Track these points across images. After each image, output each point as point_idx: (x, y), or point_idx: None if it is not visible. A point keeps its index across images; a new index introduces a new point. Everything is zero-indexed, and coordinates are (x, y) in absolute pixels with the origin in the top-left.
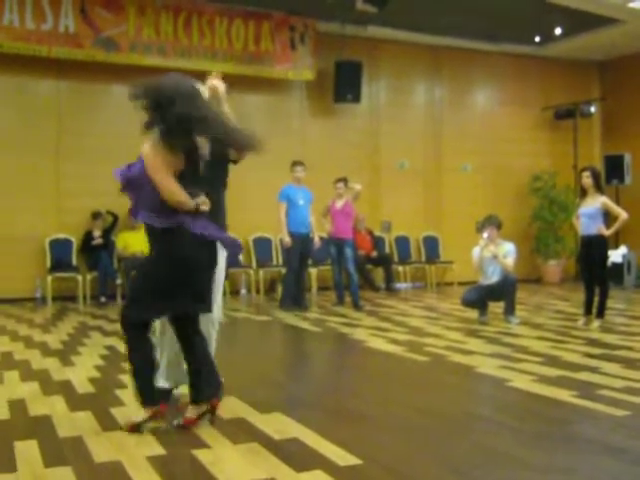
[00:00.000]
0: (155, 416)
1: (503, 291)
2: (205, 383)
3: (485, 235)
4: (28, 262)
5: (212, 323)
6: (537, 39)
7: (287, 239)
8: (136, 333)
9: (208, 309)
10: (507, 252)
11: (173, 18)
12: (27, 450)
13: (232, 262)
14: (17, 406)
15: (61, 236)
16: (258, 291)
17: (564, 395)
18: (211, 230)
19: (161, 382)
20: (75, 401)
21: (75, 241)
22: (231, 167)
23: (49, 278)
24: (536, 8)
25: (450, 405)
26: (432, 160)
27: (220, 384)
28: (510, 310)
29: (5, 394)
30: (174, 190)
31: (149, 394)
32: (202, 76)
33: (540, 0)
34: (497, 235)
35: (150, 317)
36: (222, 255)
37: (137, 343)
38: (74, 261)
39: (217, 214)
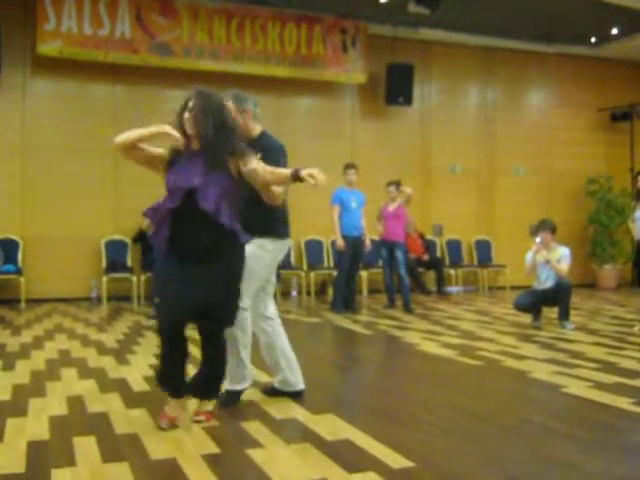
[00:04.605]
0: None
1: (557, 296)
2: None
3: (538, 239)
4: (84, 263)
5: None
6: (593, 39)
7: (341, 242)
8: None
9: None
10: (561, 257)
11: (226, 23)
12: (86, 445)
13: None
14: (75, 403)
15: (116, 237)
16: (309, 293)
17: (621, 402)
18: None
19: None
20: (131, 399)
21: (130, 243)
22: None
23: (104, 279)
24: (591, 8)
25: (504, 410)
26: (484, 163)
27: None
28: (564, 315)
29: (64, 391)
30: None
31: None
32: (255, 79)
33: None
34: (551, 239)
35: None
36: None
37: None
38: (129, 262)
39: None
